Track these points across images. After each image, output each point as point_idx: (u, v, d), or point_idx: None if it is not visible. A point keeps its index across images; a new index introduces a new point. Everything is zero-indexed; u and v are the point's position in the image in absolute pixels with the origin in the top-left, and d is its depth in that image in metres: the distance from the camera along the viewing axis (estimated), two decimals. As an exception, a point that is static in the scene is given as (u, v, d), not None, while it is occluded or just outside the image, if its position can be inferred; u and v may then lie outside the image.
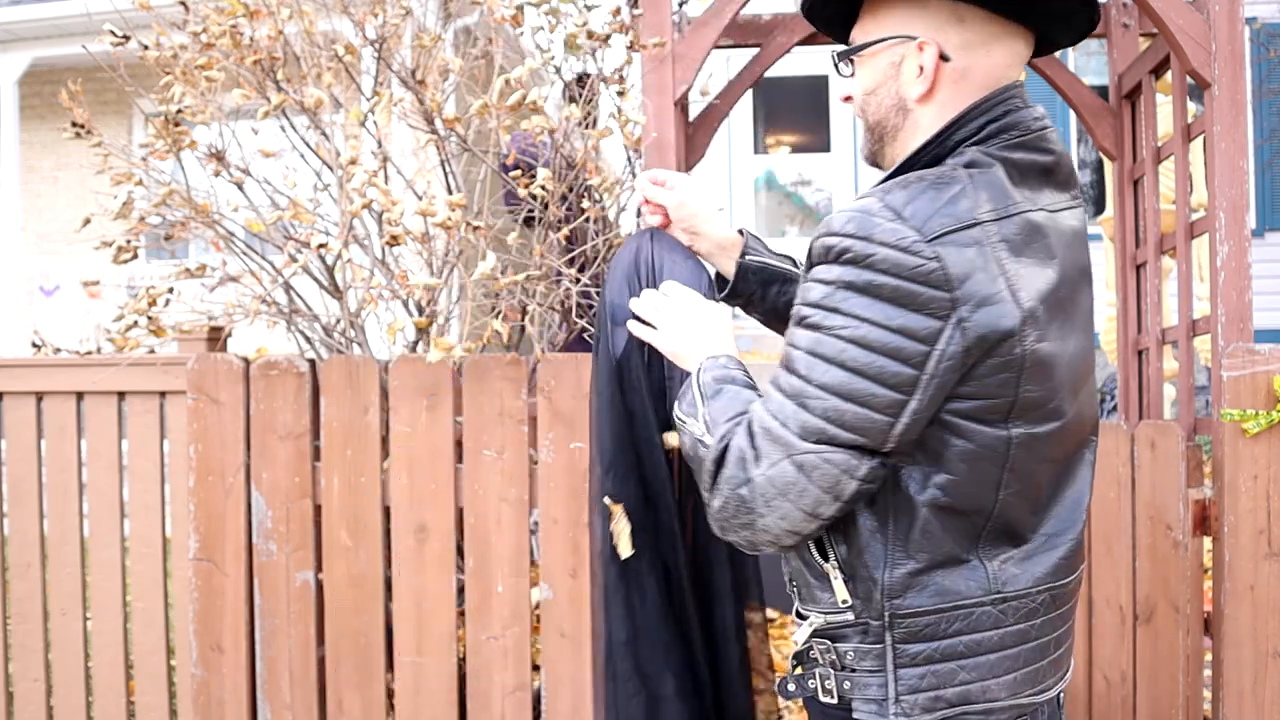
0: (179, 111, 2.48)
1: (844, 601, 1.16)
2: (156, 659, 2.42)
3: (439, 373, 2.22)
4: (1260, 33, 8.25)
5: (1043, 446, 1.13)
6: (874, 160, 1.29)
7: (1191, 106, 2.93)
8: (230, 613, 2.29)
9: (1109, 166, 3.00)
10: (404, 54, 2.59)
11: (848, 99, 1.29)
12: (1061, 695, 1.28)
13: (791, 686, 1.23)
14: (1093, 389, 1.23)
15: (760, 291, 1.48)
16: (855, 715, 1.16)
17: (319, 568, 2.29)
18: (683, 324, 1.35)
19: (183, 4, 2.64)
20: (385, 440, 2.27)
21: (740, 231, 1.49)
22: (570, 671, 2.20)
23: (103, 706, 2.46)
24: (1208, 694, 2.17)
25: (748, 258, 1.46)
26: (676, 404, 1.28)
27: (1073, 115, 4.61)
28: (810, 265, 1.14)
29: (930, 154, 1.17)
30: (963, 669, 1.13)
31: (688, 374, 1.30)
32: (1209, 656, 2.12)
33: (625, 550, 1.47)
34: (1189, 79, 2.25)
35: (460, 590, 2.29)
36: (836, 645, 1.17)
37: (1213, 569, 2.09)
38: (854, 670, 1.16)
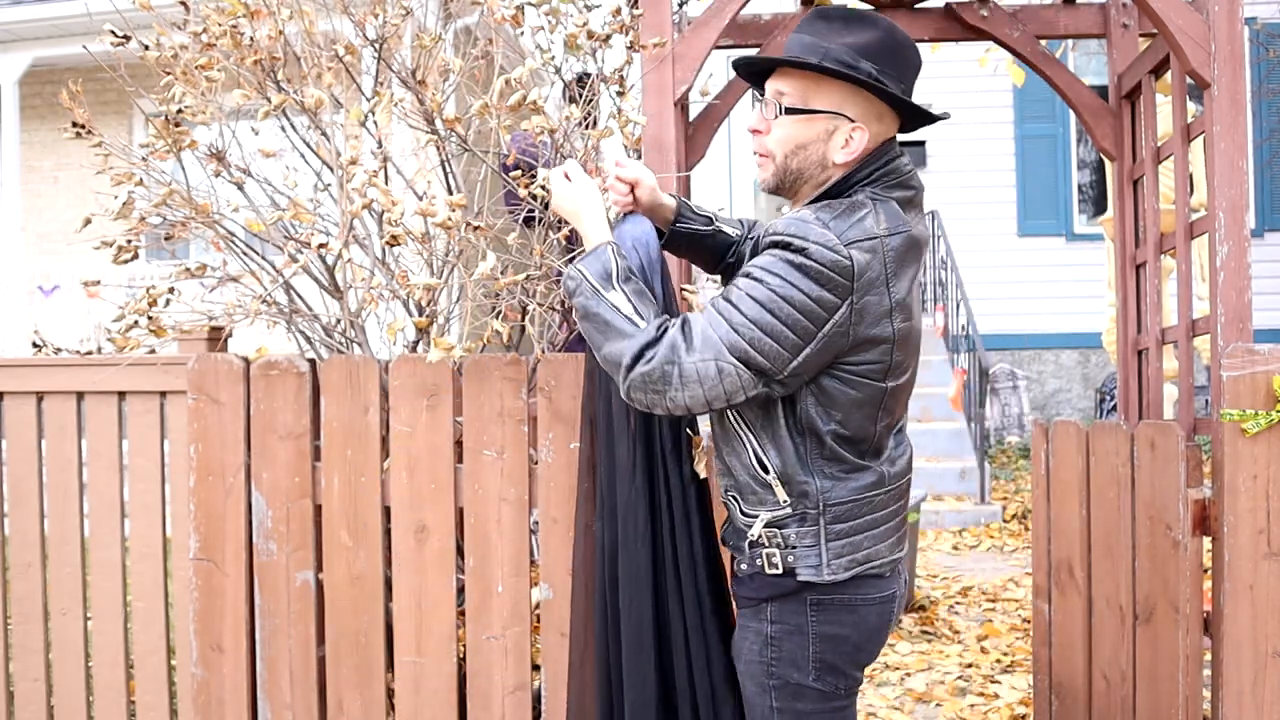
0: (179, 111, 2.48)
1: (784, 500, 1.60)
2: (157, 659, 2.42)
3: (439, 373, 2.23)
4: (1260, 33, 8.24)
5: (901, 393, 1.63)
6: (775, 191, 1.68)
7: (1191, 106, 2.92)
8: (230, 613, 2.30)
9: (1109, 167, 3.01)
10: (404, 54, 2.59)
11: (756, 132, 1.66)
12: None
13: (744, 565, 1.65)
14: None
15: (686, 241, 1.90)
16: (799, 576, 1.59)
17: (319, 568, 2.29)
18: (582, 195, 1.73)
19: (183, 4, 2.64)
20: (385, 440, 2.27)
21: (674, 196, 1.88)
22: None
23: (103, 706, 2.46)
24: (1207, 694, 2.17)
25: (678, 225, 1.87)
26: (582, 262, 1.63)
27: (1072, 115, 4.63)
28: (757, 252, 1.59)
29: (836, 191, 1.61)
30: (866, 538, 1.61)
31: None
32: (1208, 656, 2.12)
33: (703, 471, 1.81)
34: (1189, 79, 2.25)
35: (460, 590, 2.29)
36: (781, 531, 1.61)
37: (1212, 569, 2.10)
38: (795, 547, 1.60)
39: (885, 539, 1.63)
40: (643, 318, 1.55)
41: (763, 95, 1.67)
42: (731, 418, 1.65)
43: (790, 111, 1.60)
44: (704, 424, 1.81)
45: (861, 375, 1.55)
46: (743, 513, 1.66)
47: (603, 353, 1.58)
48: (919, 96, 1.65)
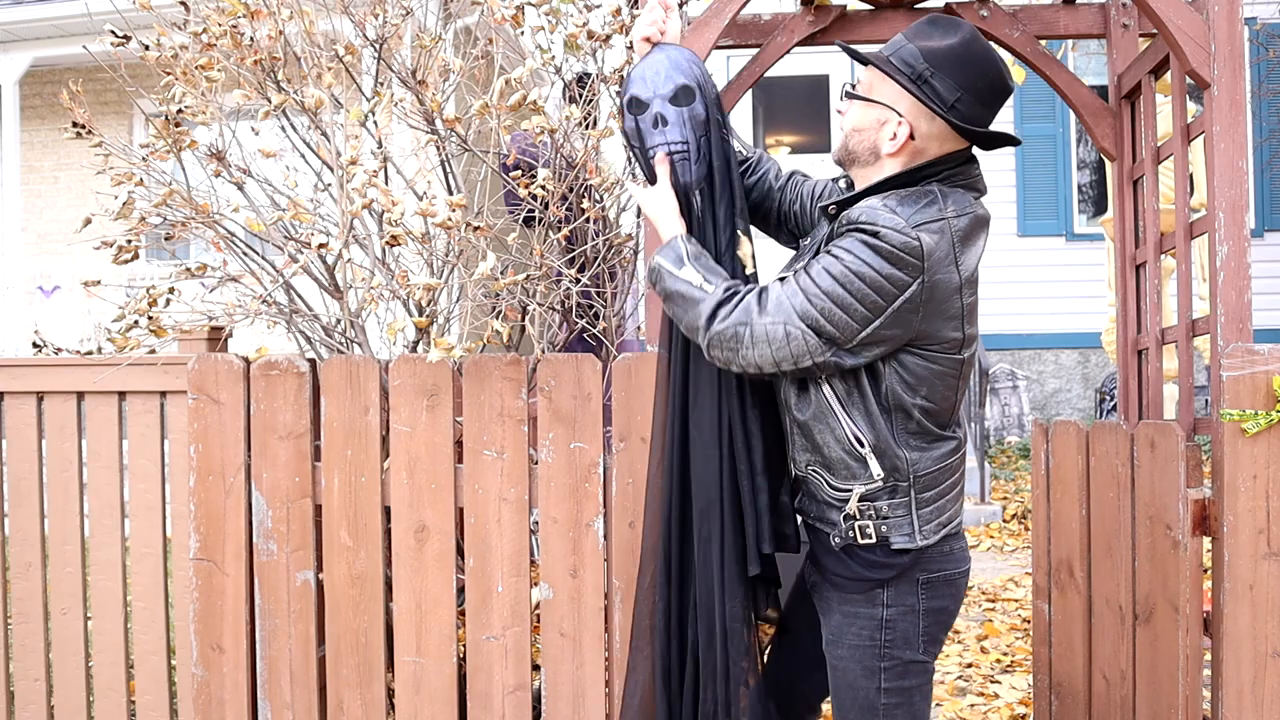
0: (179, 111, 2.48)
1: (877, 474, 1.71)
2: (157, 658, 2.42)
3: (439, 373, 2.23)
4: (1260, 33, 8.24)
5: (970, 364, 1.75)
6: (841, 165, 1.85)
7: (1191, 106, 2.92)
8: (230, 612, 2.30)
9: (1109, 167, 3.01)
10: (404, 54, 2.59)
11: (841, 112, 1.82)
12: None
13: (836, 539, 1.75)
14: None
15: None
16: (893, 544, 1.72)
17: (319, 567, 2.29)
18: (665, 198, 1.87)
19: (183, 4, 2.64)
20: (385, 440, 2.27)
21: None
22: (570, 671, 2.21)
23: (103, 706, 2.46)
24: (1207, 693, 2.17)
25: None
26: (659, 254, 1.81)
27: (1072, 115, 4.62)
28: (835, 235, 1.72)
29: (901, 181, 1.74)
30: (947, 502, 1.75)
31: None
32: (1208, 656, 2.12)
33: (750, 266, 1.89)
34: (1188, 79, 2.25)
35: (460, 590, 2.29)
36: (874, 504, 1.72)
37: (1212, 569, 2.09)
38: (888, 518, 1.72)
39: (959, 500, 1.79)
40: (710, 284, 1.72)
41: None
42: (826, 393, 1.74)
43: (856, 97, 1.78)
44: (794, 407, 1.83)
45: (941, 350, 1.68)
46: (833, 487, 1.77)
47: (684, 324, 1.76)
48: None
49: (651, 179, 1.90)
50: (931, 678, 1.80)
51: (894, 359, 1.69)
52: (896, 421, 1.71)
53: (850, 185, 1.89)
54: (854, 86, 1.79)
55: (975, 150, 1.82)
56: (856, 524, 1.74)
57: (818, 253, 1.77)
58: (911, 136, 1.72)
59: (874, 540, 1.73)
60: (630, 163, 2.32)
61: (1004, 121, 8.91)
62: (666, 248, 1.82)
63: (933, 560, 1.74)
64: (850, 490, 1.74)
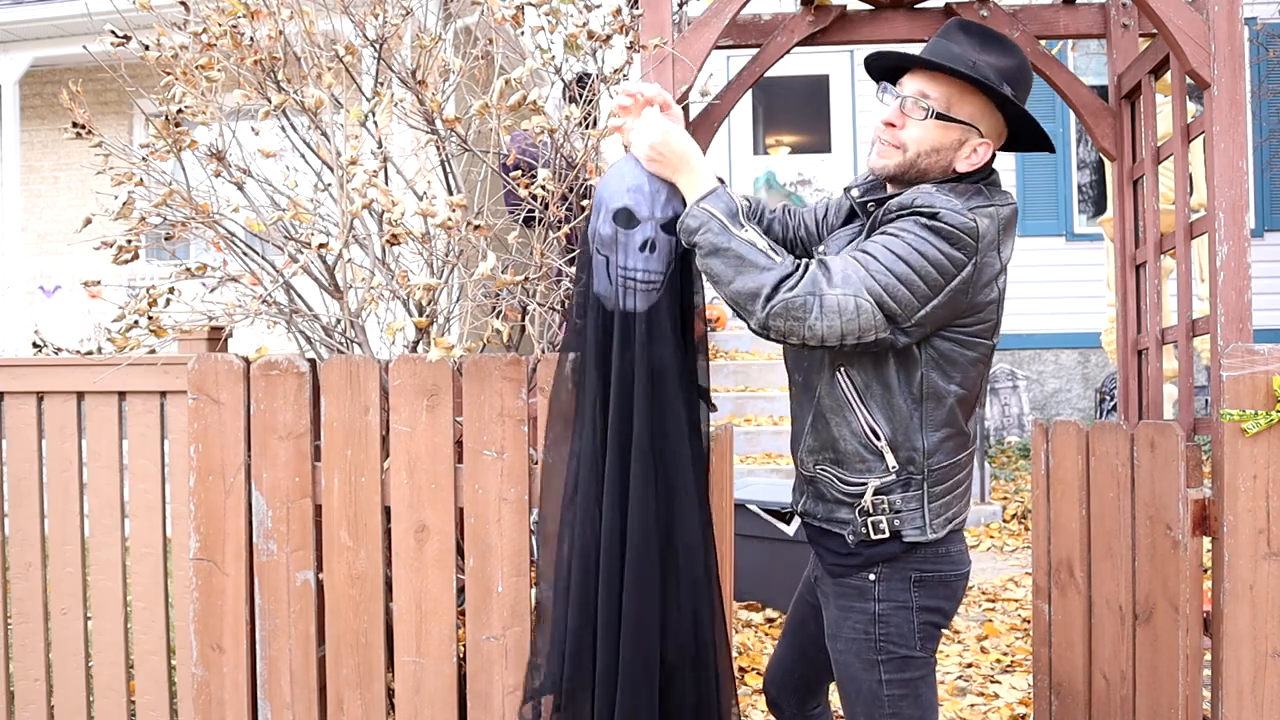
0: (179, 112, 2.48)
1: (892, 467, 1.72)
2: (157, 659, 2.42)
3: (439, 373, 2.23)
4: (1260, 33, 8.24)
5: (994, 351, 1.76)
6: (892, 180, 1.79)
7: (1191, 106, 2.92)
8: (230, 612, 2.30)
9: (1109, 167, 3.01)
10: (404, 54, 2.59)
11: (891, 125, 1.75)
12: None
13: (850, 537, 1.76)
14: None
15: None
16: (904, 537, 1.72)
17: (319, 567, 2.29)
18: (685, 141, 1.78)
19: (183, 4, 2.64)
20: (385, 440, 2.27)
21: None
22: (570, 671, 2.21)
23: (103, 706, 2.46)
24: (1207, 693, 2.17)
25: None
26: (706, 201, 1.70)
27: (1072, 115, 4.61)
28: (884, 220, 1.69)
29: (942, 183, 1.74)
30: (957, 498, 1.77)
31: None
32: (1208, 656, 2.12)
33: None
34: (1188, 79, 2.25)
35: (460, 590, 2.29)
36: (888, 497, 1.72)
37: (1212, 569, 2.09)
38: (901, 511, 1.72)
39: (965, 496, 1.79)
40: (778, 254, 1.66)
41: (890, 88, 1.79)
42: (843, 386, 1.74)
43: (929, 115, 1.71)
44: (823, 395, 1.82)
45: (976, 335, 1.70)
46: (845, 483, 1.77)
47: (734, 285, 1.65)
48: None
49: (598, 299, 1.84)
50: (934, 669, 1.81)
51: (930, 345, 1.68)
52: (926, 411, 1.70)
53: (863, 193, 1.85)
54: (919, 100, 1.71)
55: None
56: (870, 519, 1.73)
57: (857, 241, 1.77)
58: (992, 158, 1.75)
59: (887, 534, 1.73)
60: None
61: (1004, 121, 8.91)
62: (714, 197, 1.71)
63: (927, 559, 1.75)
64: (865, 484, 1.74)
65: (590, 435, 1.84)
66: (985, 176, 1.76)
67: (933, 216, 1.62)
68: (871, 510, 1.74)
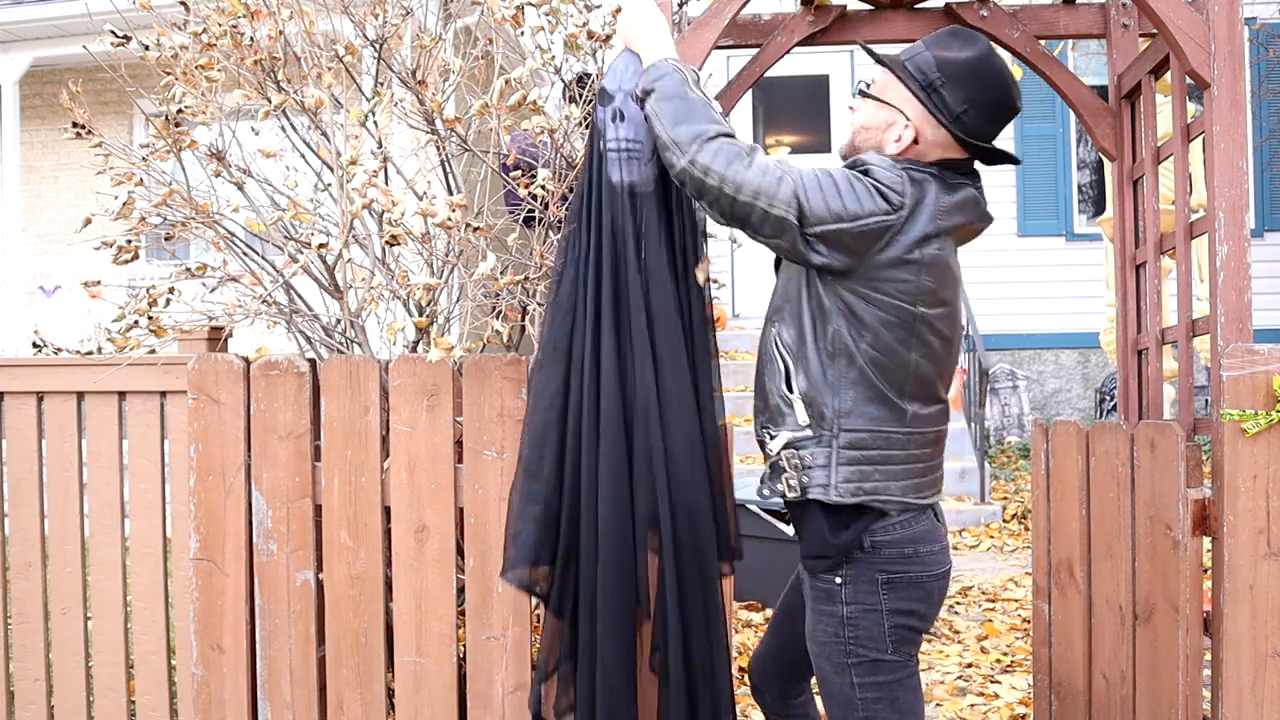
0: (179, 112, 2.48)
1: (804, 422, 1.75)
2: (157, 659, 2.42)
3: (439, 373, 2.23)
4: (1260, 33, 8.24)
5: (936, 331, 1.73)
6: (843, 158, 1.88)
7: (1191, 106, 2.92)
8: (230, 612, 2.30)
9: (1108, 167, 3.01)
10: (404, 54, 2.59)
11: (852, 109, 1.88)
12: (939, 506, 1.85)
13: (765, 492, 1.81)
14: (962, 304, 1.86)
15: None
16: (809, 495, 1.74)
17: (319, 567, 2.29)
18: (649, 13, 1.91)
19: (183, 4, 2.64)
20: (385, 440, 2.27)
21: None
22: (570, 671, 2.20)
23: (103, 706, 2.46)
24: (1207, 693, 2.17)
25: None
26: (670, 61, 1.80)
27: (1072, 115, 4.61)
28: None
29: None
30: (877, 471, 1.72)
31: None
32: (1208, 656, 2.12)
33: (702, 276, 1.89)
34: (1188, 79, 2.25)
35: (460, 590, 2.29)
36: (799, 452, 1.75)
37: (1212, 569, 2.10)
38: (810, 467, 1.74)
39: (899, 479, 1.73)
40: (724, 121, 1.74)
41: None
42: (773, 342, 1.81)
43: (867, 96, 1.84)
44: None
45: (889, 295, 1.68)
46: (770, 436, 1.81)
47: (680, 127, 1.70)
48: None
49: (599, 174, 1.88)
50: (914, 673, 1.79)
51: (840, 296, 1.71)
52: (839, 367, 1.72)
53: None
54: (869, 85, 1.84)
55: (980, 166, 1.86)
56: (784, 476, 1.77)
57: None
58: (916, 141, 1.77)
59: (798, 493, 1.75)
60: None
61: (1004, 122, 8.92)
62: (679, 63, 1.81)
63: (893, 561, 1.73)
64: (778, 436, 1.77)
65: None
66: (943, 165, 1.78)
67: (865, 172, 1.71)
68: (785, 466, 1.77)
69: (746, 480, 4.99)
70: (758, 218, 1.67)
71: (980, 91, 1.73)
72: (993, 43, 2.61)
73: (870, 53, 1.82)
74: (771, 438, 1.80)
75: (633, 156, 1.86)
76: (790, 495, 1.76)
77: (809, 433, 1.74)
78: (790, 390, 1.76)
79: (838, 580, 1.75)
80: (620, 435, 1.82)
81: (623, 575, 1.82)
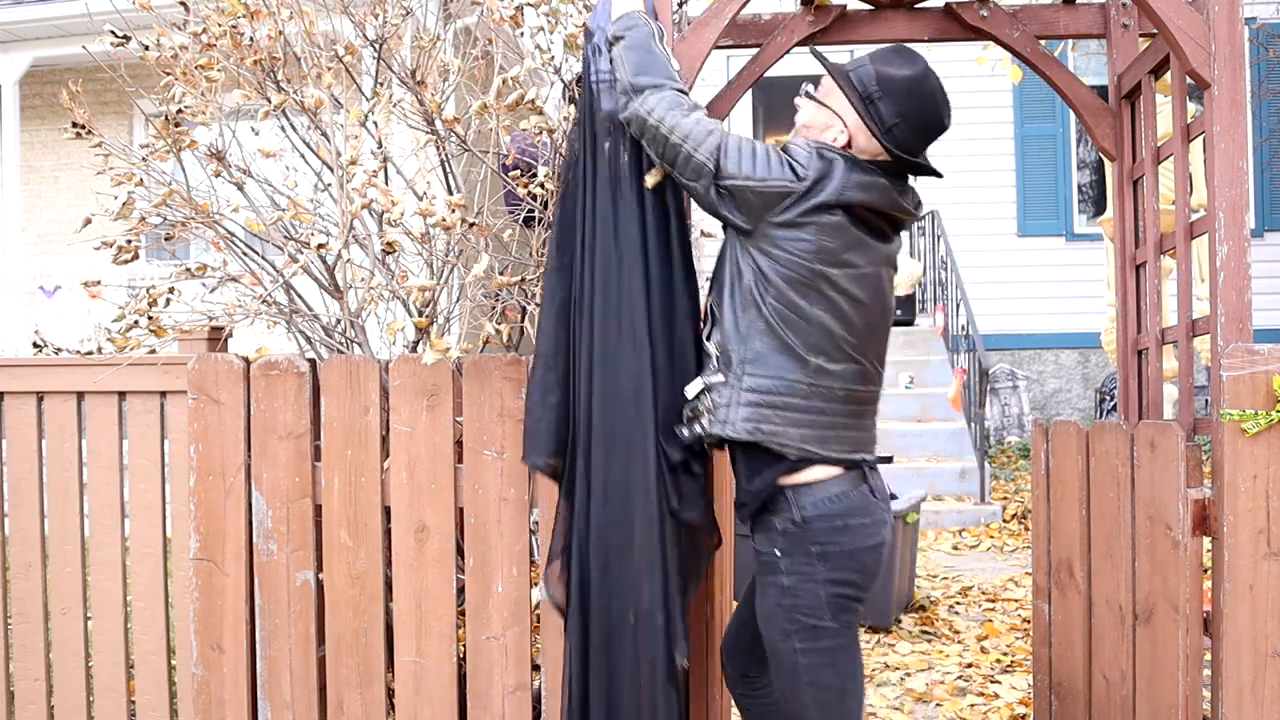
0: (179, 112, 2.48)
1: (716, 367, 1.90)
2: (157, 658, 2.42)
3: (439, 373, 2.23)
4: (1260, 33, 8.24)
5: (841, 283, 1.84)
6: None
7: (1191, 106, 2.92)
8: (230, 612, 2.30)
9: (1109, 167, 3.01)
10: (404, 54, 2.59)
11: (798, 106, 2.01)
12: (877, 482, 1.94)
13: (685, 433, 1.96)
14: (891, 286, 1.97)
15: None
16: (712, 431, 1.89)
17: (319, 567, 2.29)
18: None
19: (183, 4, 2.64)
20: (385, 440, 2.27)
21: None
22: (570, 671, 2.20)
23: (103, 706, 2.46)
24: (1207, 693, 2.17)
25: None
26: (641, 13, 2.02)
27: (1072, 115, 4.62)
28: None
29: None
30: (776, 415, 1.85)
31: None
32: (1208, 656, 2.12)
33: (651, 180, 2.03)
34: (1189, 79, 2.25)
35: (460, 590, 2.29)
36: (711, 395, 1.90)
37: (1212, 569, 2.10)
38: (717, 407, 1.89)
39: (799, 426, 1.86)
40: (680, 79, 1.97)
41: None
42: (711, 300, 1.96)
43: (812, 98, 1.98)
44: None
45: (790, 253, 1.83)
46: (691, 386, 1.98)
47: (641, 77, 1.94)
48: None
49: (589, 107, 2.07)
50: (854, 640, 1.90)
51: (753, 258, 1.87)
52: (749, 318, 1.87)
53: None
54: (815, 88, 1.99)
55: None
56: (699, 419, 1.93)
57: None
58: (849, 145, 1.91)
59: (704, 432, 1.91)
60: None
61: (1004, 121, 8.92)
62: (650, 19, 2.03)
63: (822, 534, 1.85)
64: (695, 385, 1.95)
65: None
66: (882, 162, 1.91)
67: (784, 150, 1.89)
68: (700, 410, 1.93)
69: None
70: (682, 159, 1.87)
71: (913, 109, 1.87)
72: (993, 42, 2.62)
73: (819, 58, 1.93)
74: (692, 386, 1.97)
75: (612, 87, 2.06)
76: (700, 432, 1.92)
77: (720, 378, 1.89)
78: (709, 341, 1.93)
79: (777, 552, 1.88)
80: (615, 326, 2.00)
81: (631, 458, 1.97)
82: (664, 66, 1.95)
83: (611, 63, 2.05)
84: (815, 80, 2.02)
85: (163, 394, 2.41)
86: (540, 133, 2.31)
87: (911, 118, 1.87)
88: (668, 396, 1.99)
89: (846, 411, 1.89)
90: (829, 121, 1.93)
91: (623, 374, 1.98)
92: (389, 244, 2.27)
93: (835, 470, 1.87)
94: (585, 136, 2.07)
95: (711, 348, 1.92)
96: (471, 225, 2.31)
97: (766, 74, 2.65)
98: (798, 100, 2.01)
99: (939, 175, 1.97)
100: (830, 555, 1.84)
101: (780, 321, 1.84)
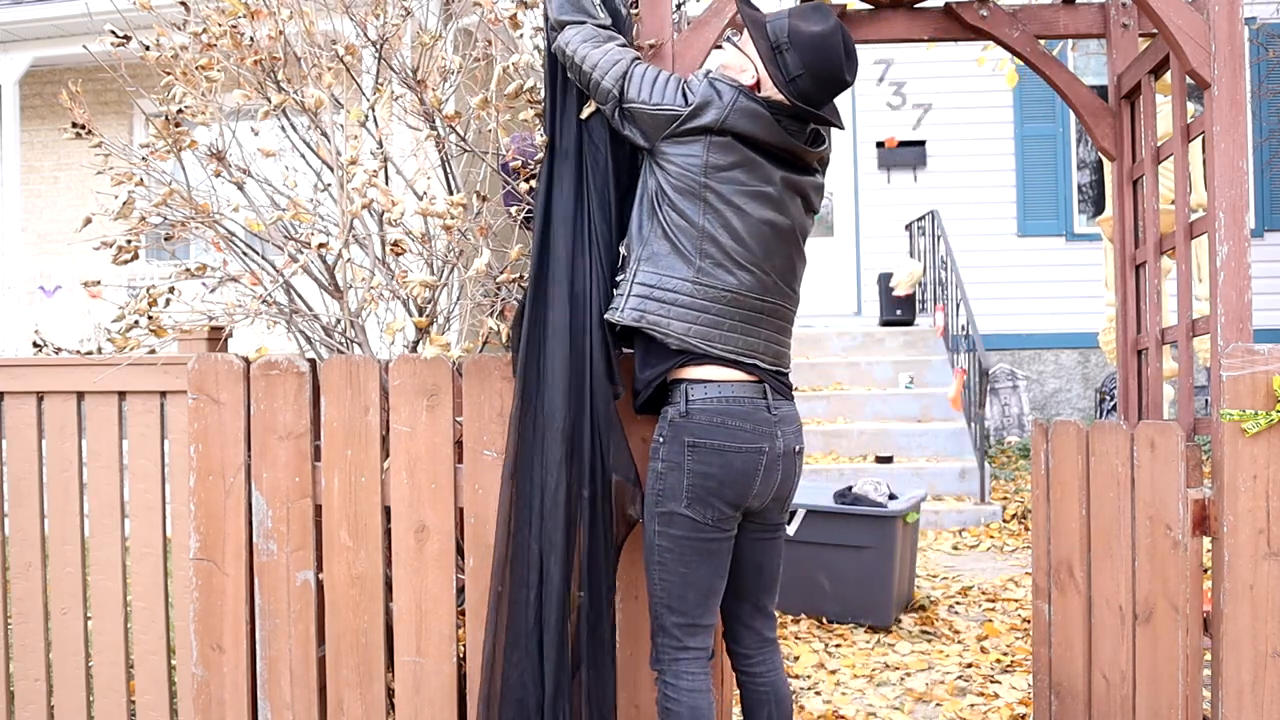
0: (179, 111, 2.48)
1: (624, 267, 2.10)
2: (157, 658, 2.43)
3: (439, 373, 2.23)
4: (1260, 33, 8.24)
5: (730, 196, 2.01)
6: None
7: (1191, 106, 2.93)
8: (230, 612, 2.30)
9: (1108, 167, 3.01)
10: (404, 54, 2.59)
11: (719, 48, 2.25)
12: (778, 404, 2.08)
13: (611, 318, 2.09)
14: (798, 206, 2.12)
15: None
16: (609, 318, 2.08)
17: (319, 567, 2.29)
18: None
19: (183, 4, 2.64)
20: (385, 440, 2.27)
21: None
22: (570, 671, 2.20)
23: (103, 706, 2.46)
24: (1207, 693, 2.17)
25: None
26: None
27: (1072, 115, 4.62)
28: None
29: None
30: (660, 307, 2.02)
31: None
32: (1208, 656, 2.12)
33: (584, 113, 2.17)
34: (1189, 79, 2.25)
35: (460, 590, 2.29)
36: (616, 290, 2.09)
37: (1212, 569, 2.10)
38: (616, 299, 2.07)
39: (681, 320, 2.02)
40: (612, 48, 2.13)
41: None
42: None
43: (731, 43, 2.16)
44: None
45: (680, 167, 2.02)
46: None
47: (564, 15, 2.14)
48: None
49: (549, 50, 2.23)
50: (712, 542, 2.02)
51: (655, 174, 2.06)
52: (650, 224, 2.07)
53: None
54: (737, 35, 2.17)
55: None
56: (625, 302, 2.07)
57: None
58: (757, 86, 2.06)
59: (620, 315, 2.07)
60: None
61: (1004, 121, 8.92)
62: None
63: (702, 428, 2.00)
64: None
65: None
66: (782, 104, 2.05)
67: (686, 80, 2.09)
68: (623, 291, 2.09)
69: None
70: (593, 85, 2.08)
71: (817, 62, 2.00)
72: (993, 42, 2.62)
73: (740, 6, 2.09)
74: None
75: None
76: (621, 319, 2.07)
77: (624, 274, 2.09)
78: (622, 245, 2.14)
79: (660, 439, 2.04)
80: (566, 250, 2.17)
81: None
82: (588, 8, 2.15)
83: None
84: (737, 31, 2.23)
85: (163, 394, 2.41)
86: (537, 128, 2.31)
87: (815, 70, 2.00)
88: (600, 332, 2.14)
89: (738, 315, 2.04)
90: (743, 65, 2.09)
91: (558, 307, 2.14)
92: (395, 244, 2.27)
93: (731, 373, 2.03)
94: (551, 85, 2.26)
95: (622, 249, 2.13)
96: (473, 213, 2.31)
97: (766, 74, 2.65)
98: (722, 43, 2.22)
99: (840, 126, 2.13)
100: (699, 448, 1.99)
101: (673, 228, 2.03)
